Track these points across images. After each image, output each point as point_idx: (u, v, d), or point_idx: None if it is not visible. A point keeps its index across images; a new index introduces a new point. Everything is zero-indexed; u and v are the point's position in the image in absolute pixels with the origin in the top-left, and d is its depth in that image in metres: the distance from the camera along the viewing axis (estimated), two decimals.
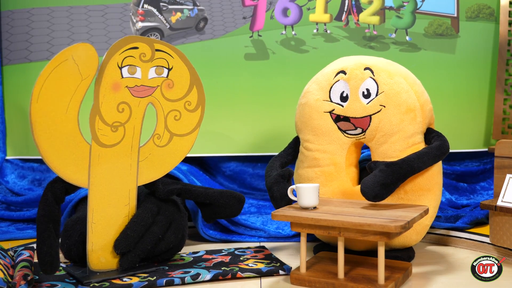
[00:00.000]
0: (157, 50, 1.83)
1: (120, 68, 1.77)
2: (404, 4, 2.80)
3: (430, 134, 1.99)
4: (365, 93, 1.98)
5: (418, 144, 1.96)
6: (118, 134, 1.80)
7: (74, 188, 1.78)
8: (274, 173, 2.03)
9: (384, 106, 1.95)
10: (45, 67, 1.64)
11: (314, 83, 2.10)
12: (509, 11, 2.82)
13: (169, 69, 1.86)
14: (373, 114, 1.96)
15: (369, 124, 1.97)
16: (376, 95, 1.97)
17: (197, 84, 1.92)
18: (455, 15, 2.82)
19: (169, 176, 2.22)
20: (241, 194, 2.07)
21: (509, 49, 2.81)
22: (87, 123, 1.75)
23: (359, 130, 1.99)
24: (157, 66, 1.84)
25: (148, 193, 1.96)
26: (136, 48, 1.79)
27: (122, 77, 1.78)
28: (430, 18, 2.81)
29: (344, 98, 2.01)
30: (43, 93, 1.64)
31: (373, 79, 1.98)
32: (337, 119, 2.02)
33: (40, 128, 1.65)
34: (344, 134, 2.02)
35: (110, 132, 1.78)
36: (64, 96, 1.68)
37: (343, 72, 2.02)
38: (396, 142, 1.95)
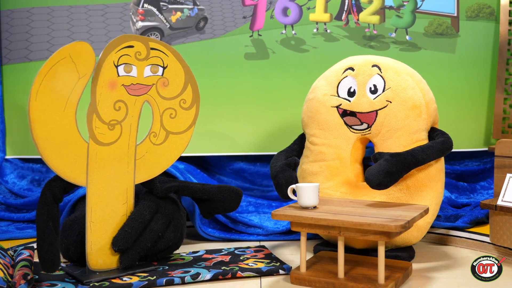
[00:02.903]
0: (152, 48, 1.84)
1: (116, 66, 1.78)
2: (404, 3, 2.79)
3: (434, 133, 2.03)
4: (372, 88, 2.01)
5: (421, 141, 1.99)
6: (115, 132, 1.80)
7: (72, 187, 1.79)
8: (279, 164, 2.06)
9: (391, 102, 1.98)
10: (43, 65, 1.64)
11: (322, 79, 2.14)
12: (509, 11, 2.81)
13: (164, 68, 1.87)
14: (380, 109, 1.99)
15: (375, 119, 1.99)
16: (383, 90, 2.00)
17: (192, 82, 1.93)
18: (455, 15, 2.82)
19: (166, 174, 2.22)
20: (238, 188, 2.07)
21: (509, 48, 2.81)
22: (84, 121, 1.75)
23: (365, 125, 2.01)
24: (152, 64, 1.85)
25: (146, 191, 1.96)
26: (131, 46, 1.80)
27: (118, 75, 1.79)
28: (430, 17, 2.81)
29: (351, 93, 2.04)
30: (41, 91, 1.64)
31: (380, 75, 2.01)
32: (344, 114, 2.04)
33: (38, 126, 1.65)
34: (350, 129, 2.04)
35: (107, 130, 1.79)
36: (62, 94, 1.68)
37: (351, 68, 2.06)
38: (400, 138, 1.97)
